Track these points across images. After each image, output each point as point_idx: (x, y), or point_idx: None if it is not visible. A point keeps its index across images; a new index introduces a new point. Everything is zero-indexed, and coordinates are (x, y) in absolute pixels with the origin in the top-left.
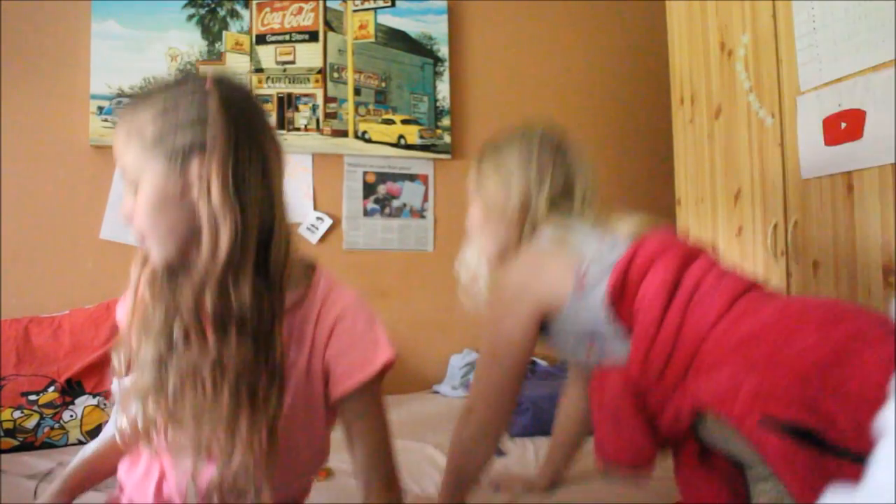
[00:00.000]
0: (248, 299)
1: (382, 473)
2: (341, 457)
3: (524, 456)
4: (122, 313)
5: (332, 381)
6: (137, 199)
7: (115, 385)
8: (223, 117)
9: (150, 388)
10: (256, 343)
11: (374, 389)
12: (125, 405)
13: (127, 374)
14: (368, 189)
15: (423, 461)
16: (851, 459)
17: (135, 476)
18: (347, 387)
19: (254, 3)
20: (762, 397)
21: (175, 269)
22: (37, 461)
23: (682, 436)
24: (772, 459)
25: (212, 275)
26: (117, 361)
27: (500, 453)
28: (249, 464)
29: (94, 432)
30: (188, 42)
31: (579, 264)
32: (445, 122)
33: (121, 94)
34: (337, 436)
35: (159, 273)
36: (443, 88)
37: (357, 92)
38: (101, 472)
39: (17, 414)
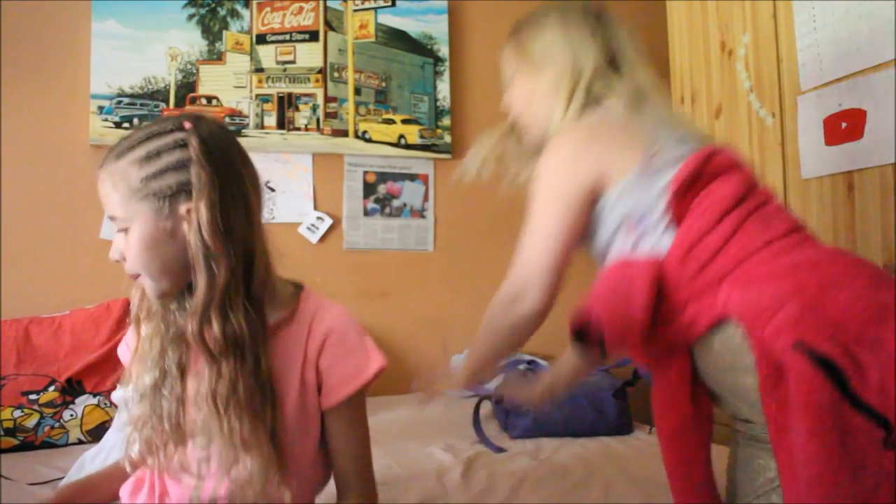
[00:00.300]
0: (243, 321)
1: (363, 479)
2: None
3: (525, 457)
4: (125, 349)
5: (326, 391)
6: (129, 241)
7: (123, 415)
8: (205, 157)
9: (149, 414)
10: (249, 361)
11: (362, 398)
12: (130, 432)
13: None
14: (369, 189)
15: (423, 461)
16: (869, 416)
17: (139, 498)
18: (343, 394)
19: (254, 2)
20: (804, 323)
21: (168, 302)
22: (39, 468)
23: (680, 345)
24: (795, 384)
25: (214, 302)
26: (125, 393)
27: (500, 450)
28: (256, 472)
29: (95, 431)
30: (188, 42)
31: (650, 144)
32: (446, 121)
33: (121, 94)
34: None
35: (154, 305)
36: (443, 88)
37: (357, 92)
38: (100, 492)
39: (18, 413)
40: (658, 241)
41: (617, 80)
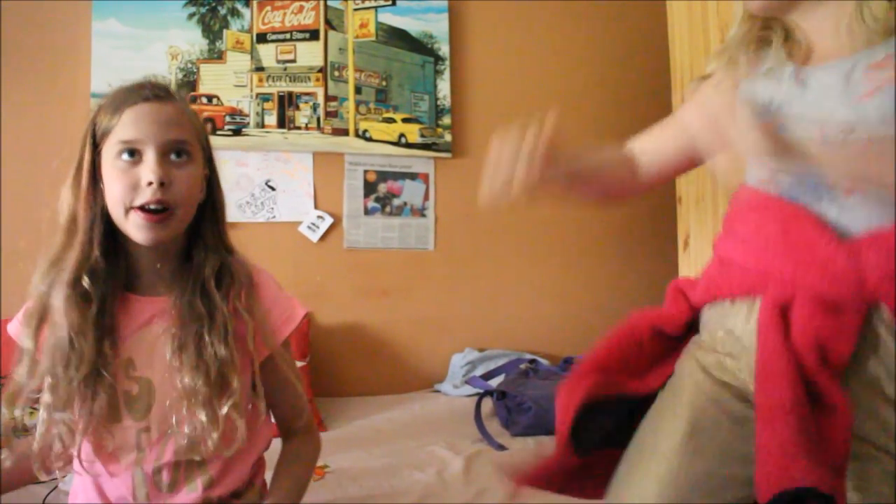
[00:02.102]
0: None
1: (305, 420)
2: (342, 456)
3: (526, 455)
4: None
5: (264, 336)
6: (184, 173)
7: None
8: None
9: (76, 400)
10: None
11: (290, 346)
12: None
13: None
14: (369, 188)
15: (424, 460)
16: None
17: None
18: (281, 337)
19: (254, 1)
20: None
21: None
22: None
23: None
24: None
25: (223, 245)
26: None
27: (501, 448)
28: (207, 423)
29: None
30: (189, 41)
31: None
32: (446, 120)
33: None
34: (335, 436)
35: (62, 292)
36: (443, 87)
37: (358, 90)
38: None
39: (18, 412)
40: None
41: None
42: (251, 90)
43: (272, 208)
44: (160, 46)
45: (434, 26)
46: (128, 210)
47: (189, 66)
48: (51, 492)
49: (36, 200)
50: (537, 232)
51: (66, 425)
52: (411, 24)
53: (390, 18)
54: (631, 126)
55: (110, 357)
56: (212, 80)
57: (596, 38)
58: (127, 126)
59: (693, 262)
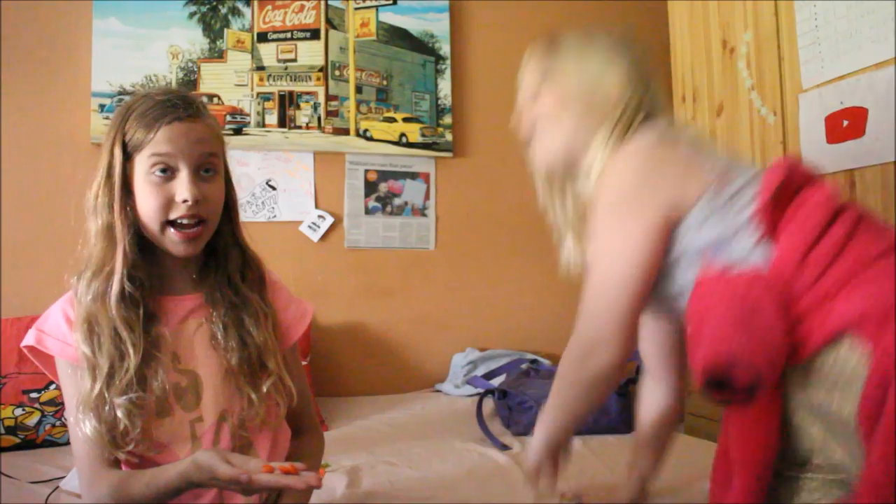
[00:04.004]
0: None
1: (311, 417)
2: (342, 456)
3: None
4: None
5: (281, 332)
6: (214, 188)
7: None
8: None
9: (130, 398)
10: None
11: (297, 345)
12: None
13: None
14: (370, 187)
15: (425, 459)
16: None
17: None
18: (297, 334)
19: (255, 0)
20: None
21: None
22: (41, 466)
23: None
24: None
25: (241, 240)
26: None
27: (505, 447)
28: (258, 401)
29: None
30: (190, 40)
31: (715, 167)
32: (447, 120)
33: (122, 92)
34: (336, 435)
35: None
36: (444, 86)
37: (358, 90)
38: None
39: (19, 411)
40: (746, 257)
41: (653, 108)
42: (252, 89)
43: (273, 208)
44: (161, 45)
45: (435, 26)
46: (163, 225)
47: (190, 65)
48: (53, 492)
49: (37, 199)
50: (538, 231)
51: (128, 405)
52: (412, 24)
53: (391, 18)
54: None
55: (157, 351)
56: (212, 79)
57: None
58: (161, 143)
59: None
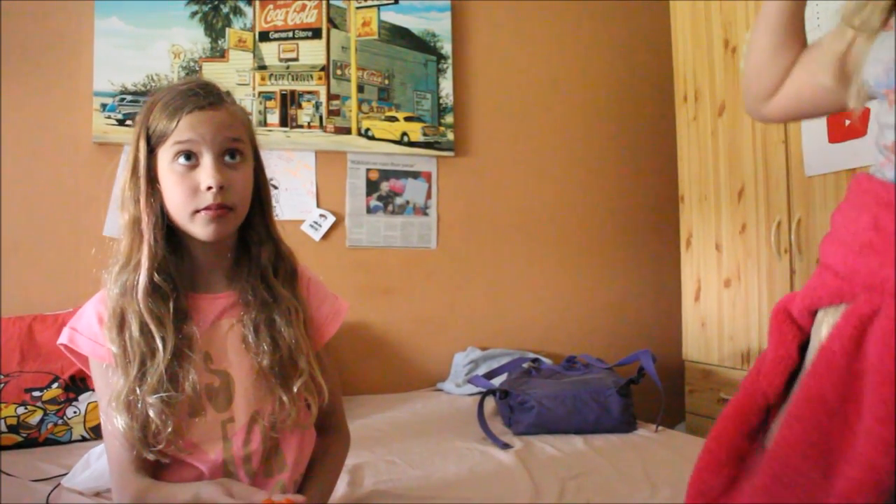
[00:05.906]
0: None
1: (340, 416)
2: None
3: (529, 454)
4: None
5: (314, 329)
6: (239, 174)
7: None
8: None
9: (162, 398)
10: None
11: (330, 343)
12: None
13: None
14: (371, 186)
15: (427, 458)
16: None
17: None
18: (331, 331)
19: (257, 0)
20: None
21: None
22: (43, 465)
23: None
24: None
25: (272, 231)
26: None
27: (506, 446)
28: (289, 401)
29: (98, 428)
30: (191, 39)
31: None
32: (449, 119)
33: (124, 92)
34: None
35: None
36: (446, 86)
37: (360, 89)
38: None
39: (21, 410)
40: None
41: None
42: (254, 89)
43: (274, 207)
44: (163, 45)
45: (436, 25)
46: (192, 215)
47: (191, 64)
48: (53, 489)
49: (39, 198)
50: (540, 231)
51: (160, 404)
52: (414, 23)
53: (393, 17)
54: (633, 125)
55: (189, 350)
56: (214, 78)
57: (599, 37)
58: (183, 131)
59: (695, 261)
